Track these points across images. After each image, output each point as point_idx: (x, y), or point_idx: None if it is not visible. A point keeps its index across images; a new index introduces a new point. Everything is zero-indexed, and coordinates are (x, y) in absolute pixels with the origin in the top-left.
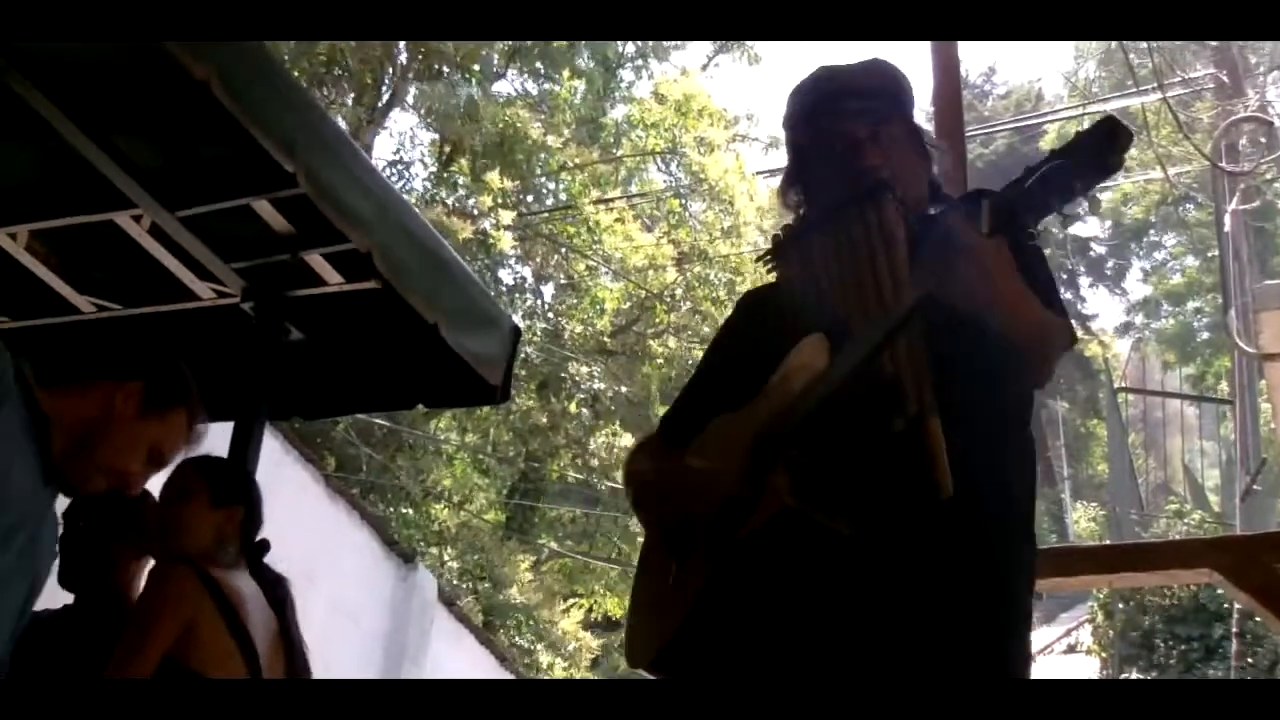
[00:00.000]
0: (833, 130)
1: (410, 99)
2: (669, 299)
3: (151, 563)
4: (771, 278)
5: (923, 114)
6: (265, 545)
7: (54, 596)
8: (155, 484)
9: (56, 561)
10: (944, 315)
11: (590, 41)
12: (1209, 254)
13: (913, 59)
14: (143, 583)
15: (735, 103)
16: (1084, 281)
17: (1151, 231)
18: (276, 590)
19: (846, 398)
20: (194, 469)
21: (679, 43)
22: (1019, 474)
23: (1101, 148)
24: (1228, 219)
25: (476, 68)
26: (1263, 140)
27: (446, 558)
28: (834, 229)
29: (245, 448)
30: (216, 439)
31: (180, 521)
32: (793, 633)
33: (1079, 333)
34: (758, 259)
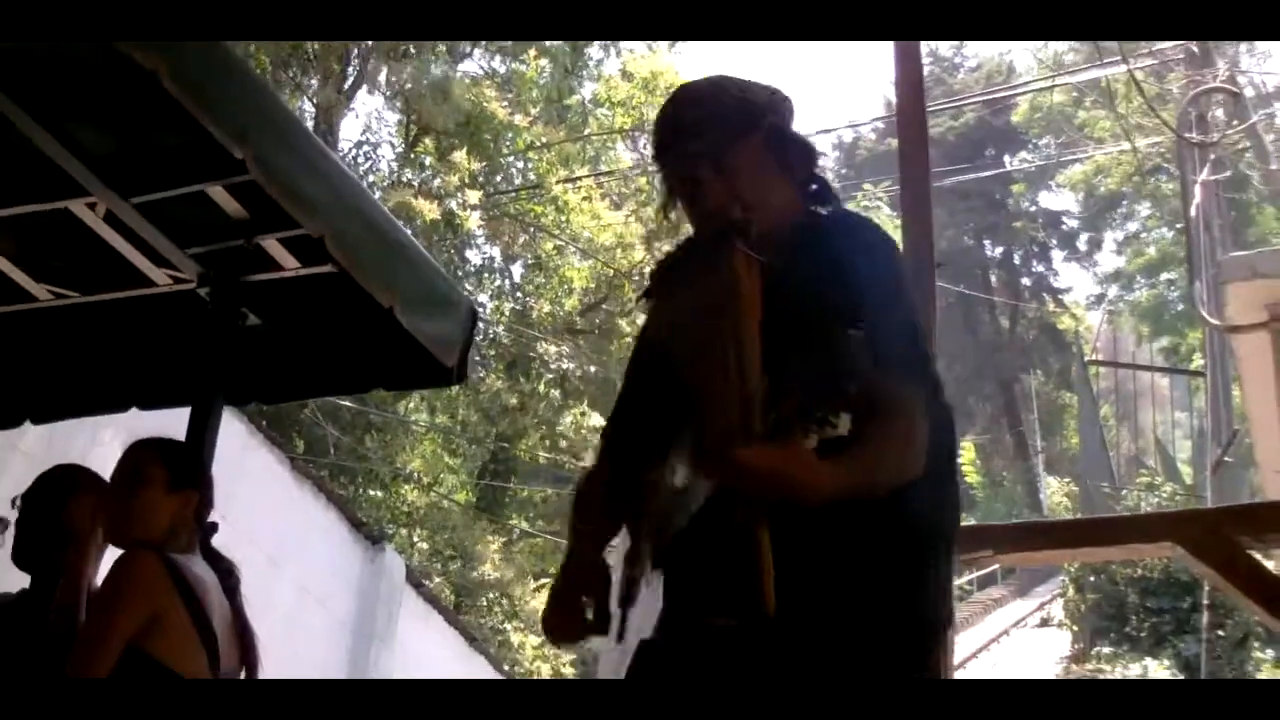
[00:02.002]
0: (676, 174)
1: (377, 79)
2: (637, 277)
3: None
4: None
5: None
6: (214, 527)
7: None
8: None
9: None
10: None
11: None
12: (1181, 225)
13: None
14: (97, 568)
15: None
16: (1057, 255)
17: (1124, 203)
18: (229, 579)
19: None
20: (150, 453)
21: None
22: (881, 565)
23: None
24: (1197, 190)
25: (443, 48)
26: (1233, 109)
27: (416, 538)
28: (688, 280)
29: (202, 433)
30: (175, 425)
31: (137, 507)
32: None
33: (1050, 305)
34: (638, 299)
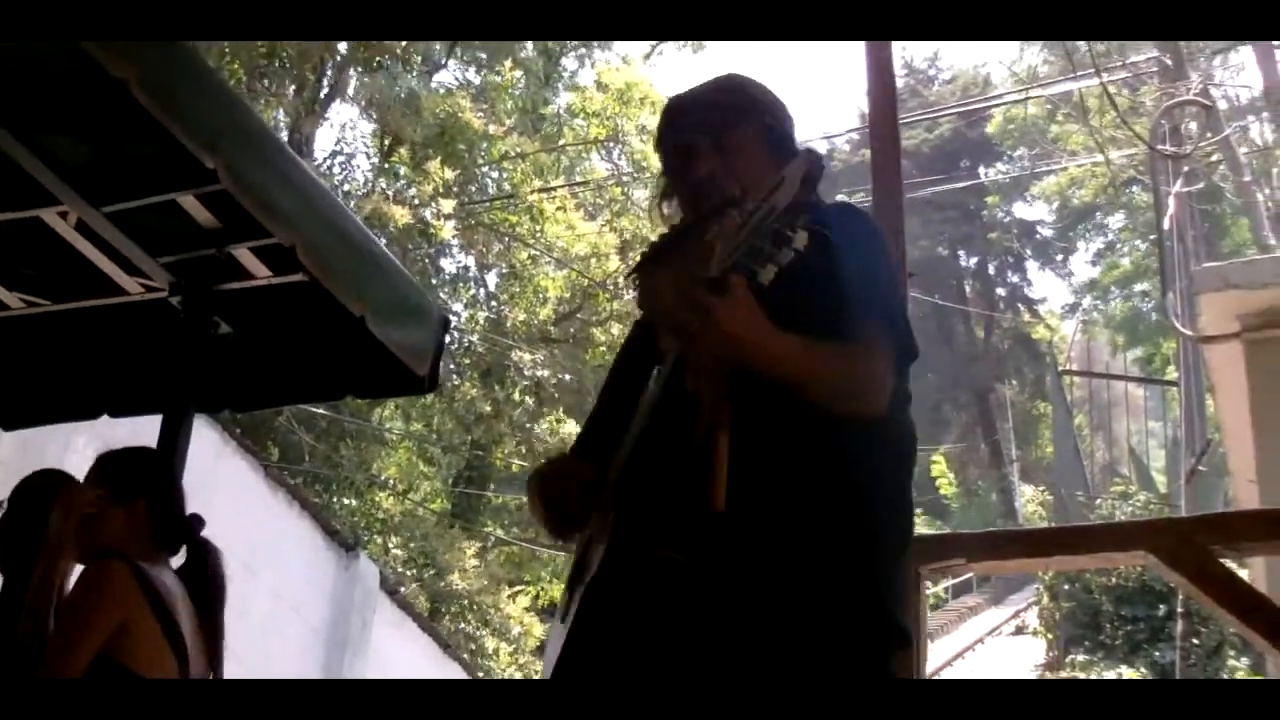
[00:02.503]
0: (675, 143)
1: (351, 90)
2: (611, 287)
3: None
4: None
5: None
6: (199, 520)
7: None
8: None
9: None
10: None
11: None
12: (1154, 237)
13: (848, 50)
14: (68, 576)
15: (677, 90)
16: (1031, 265)
17: (1099, 214)
18: (214, 578)
19: (664, 419)
20: (93, 470)
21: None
22: (834, 486)
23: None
24: (1171, 202)
25: (418, 59)
26: (1205, 122)
27: (390, 546)
28: (677, 254)
29: (174, 441)
30: (147, 432)
31: (90, 525)
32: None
33: (1025, 316)
34: (626, 276)
